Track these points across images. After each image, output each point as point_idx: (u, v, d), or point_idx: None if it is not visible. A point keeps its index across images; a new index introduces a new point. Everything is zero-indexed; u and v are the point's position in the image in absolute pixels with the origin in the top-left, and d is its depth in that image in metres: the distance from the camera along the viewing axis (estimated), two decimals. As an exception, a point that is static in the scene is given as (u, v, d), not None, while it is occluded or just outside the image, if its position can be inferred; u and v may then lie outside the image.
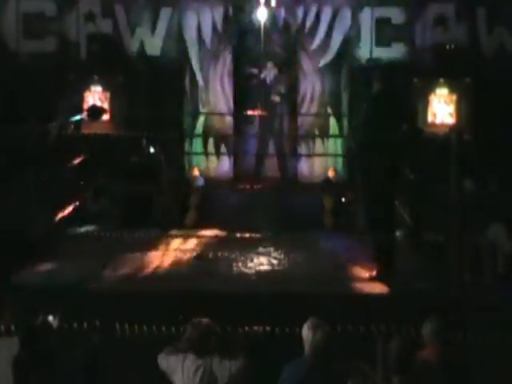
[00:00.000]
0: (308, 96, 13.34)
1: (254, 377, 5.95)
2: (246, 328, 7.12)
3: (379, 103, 8.31)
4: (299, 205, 11.68)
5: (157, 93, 12.58)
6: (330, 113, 13.30)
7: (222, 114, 13.32)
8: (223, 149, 13.31)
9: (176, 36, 13.19)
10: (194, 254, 9.60)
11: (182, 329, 6.14)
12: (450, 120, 12.45)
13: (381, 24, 12.99)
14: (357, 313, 7.57)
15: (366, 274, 8.43)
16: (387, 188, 8.21)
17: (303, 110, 13.34)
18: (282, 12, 13.14)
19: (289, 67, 13.28)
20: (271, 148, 13.04)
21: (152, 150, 12.29)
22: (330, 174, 12.84)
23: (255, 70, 13.09)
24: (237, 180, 12.95)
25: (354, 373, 4.96)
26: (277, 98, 13.11)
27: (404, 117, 8.56)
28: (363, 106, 8.80)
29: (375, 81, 8.35)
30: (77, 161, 10.79)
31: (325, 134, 13.30)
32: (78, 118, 11.57)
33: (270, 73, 13.13)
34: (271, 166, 12.96)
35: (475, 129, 12.23)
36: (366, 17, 13.04)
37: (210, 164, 13.28)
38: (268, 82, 13.11)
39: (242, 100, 13.26)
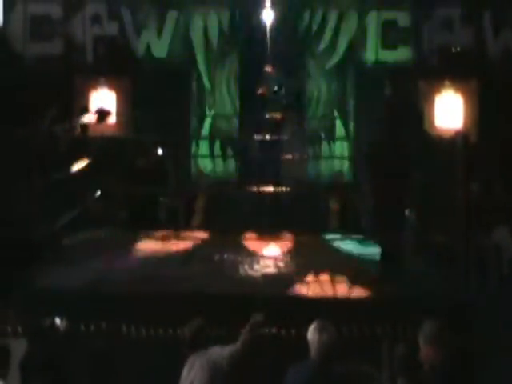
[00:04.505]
0: (314, 98, 13.36)
1: (259, 379, 5.97)
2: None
3: (388, 105, 8.34)
4: (305, 206, 11.67)
5: (163, 95, 12.60)
6: (336, 115, 13.31)
7: (228, 117, 13.33)
8: (229, 151, 13.33)
9: (182, 38, 13.21)
10: (201, 255, 9.63)
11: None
12: (455, 122, 12.41)
13: (387, 26, 13.00)
14: (362, 315, 7.59)
15: (371, 276, 8.44)
16: (396, 190, 8.22)
17: (310, 112, 13.35)
18: (289, 15, 13.14)
19: (295, 70, 13.28)
20: (278, 150, 13.03)
21: (158, 152, 12.31)
22: (337, 176, 12.84)
23: (262, 73, 13.08)
24: (243, 182, 12.95)
25: (359, 375, 4.97)
26: (283, 101, 13.10)
27: (413, 119, 8.58)
28: (372, 108, 8.81)
29: (385, 83, 8.37)
30: (83, 163, 10.81)
31: (331, 136, 13.30)
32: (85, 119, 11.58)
33: (276, 75, 13.13)
34: (278, 169, 12.95)
35: (481, 131, 12.21)
36: (372, 19, 13.04)
37: (217, 166, 13.29)
38: (274, 84, 13.11)
39: (248, 102, 13.28)
